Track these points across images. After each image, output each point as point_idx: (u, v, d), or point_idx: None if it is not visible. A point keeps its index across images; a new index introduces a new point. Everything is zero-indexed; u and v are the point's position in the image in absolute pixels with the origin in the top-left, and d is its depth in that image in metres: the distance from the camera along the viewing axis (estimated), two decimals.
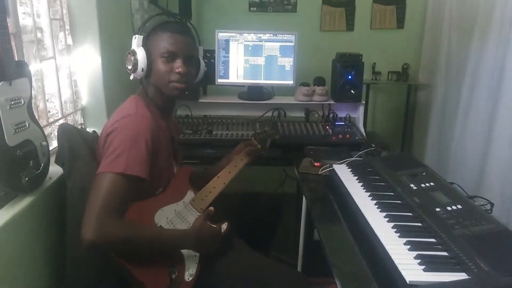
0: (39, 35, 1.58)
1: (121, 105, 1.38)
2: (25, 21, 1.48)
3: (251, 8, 3.08)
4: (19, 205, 1.21)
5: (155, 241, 1.24)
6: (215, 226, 1.35)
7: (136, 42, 1.39)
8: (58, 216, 1.37)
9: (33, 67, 1.51)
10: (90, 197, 1.16)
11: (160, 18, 1.78)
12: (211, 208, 1.36)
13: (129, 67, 1.39)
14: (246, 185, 1.92)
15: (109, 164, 1.21)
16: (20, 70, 1.21)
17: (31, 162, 1.23)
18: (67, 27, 1.80)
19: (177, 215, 1.40)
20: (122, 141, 1.24)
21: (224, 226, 1.39)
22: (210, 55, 2.48)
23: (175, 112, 2.35)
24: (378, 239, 1.10)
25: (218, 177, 1.57)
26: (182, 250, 1.31)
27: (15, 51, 1.37)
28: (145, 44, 1.39)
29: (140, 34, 1.41)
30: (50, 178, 1.37)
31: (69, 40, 1.81)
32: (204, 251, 1.34)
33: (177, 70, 1.36)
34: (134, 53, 1.38)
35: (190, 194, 1.48)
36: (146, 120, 1.30)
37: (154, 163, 1.30)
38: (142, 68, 1.37)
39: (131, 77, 1.43)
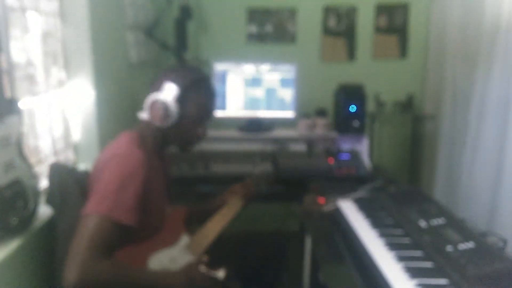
0: (31, 70, 1.61)
1: (113, 142, 1.37)
2: (17, 56, 1.51)
3: (249, 39, 3.14)
4: (7, 249, 1.19)
5: (142, 281, 1.22)
6: (207, 271, 1.32)
7: (170, 94, 1.36)
8: (48, 260, 1.35)
9: (24, 103, 1.53)
10: (75, 239, 1.14)
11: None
12: (205, 258, 1.35)
13: (156, 115, 1.37)
14: (246, 223, 1.91)
15: (95, 205, 1.19)
16: (10, 106, 1.22)
17: (20, 202, 1.23)
18: (61, 61, 1.83)
19: (172, 261, 1.37)
20: (110, 182, 1.22)
21: (221, 274, 1.34)
22: None
23: None
24: (387, 281, 1.08)
25: (213, 220, 1.57)
26: None
27: (6, 87, 1.39)
28: (180, 99, 1.37)
29: (174, 83, 1.38)
30: (40, 219, 1.36)
31: (62, 75, 1.84)
32: None
33: (201, 135, 1.43)
34: (166, 106, 1.36)
35: (184, 238, 1.47)
36: (135, 160, 1.28)
37: (146, 206, 1.29)
38: (172, 121, 1.37)
39: (157, 124, 1.39)
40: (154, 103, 1.36)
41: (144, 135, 1.40)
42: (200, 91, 1.41)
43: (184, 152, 1.51)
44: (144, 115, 1.41)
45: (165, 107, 1.35)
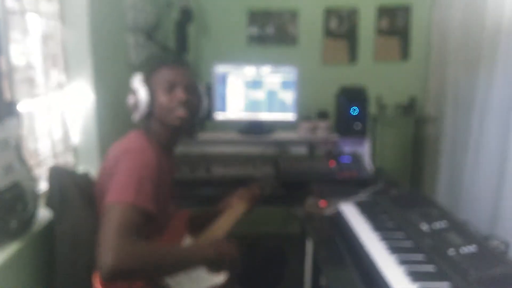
0: (31, 73, 1.61)
1: (123, 139, 1.40)
2: (17, 59, 1.51)
3: (250, 41, 3.14)
4: (7, 252, 1.19)
5: (177, 257, 1.23)
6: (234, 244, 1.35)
7: (136, 81, 1.43)
8: (47, 262, 1.36)
9: (24, 105, 1.53)
10: (103, 228, 1.14)
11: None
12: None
13: (131, 107, 1.43)
14: (248, 226, 1.91)
15: (118, 194, 1.21)
16: (9, 109, 1.23)
17: (19, 205, 1.23)
18: (61, 64, 1.83)
19: None
20: (129, 172, 1.25)
21: (220, 277, 1.35)
22: (208, 88, 2.52)
23: None
24: (388, 285, 1.08)
25: (218, 223, 1.58)
26: (170, 280, 1.29)
27: (6, 90, 1.40)
28: (145, 82, 1.43)
29: (140, 73, 1.46)
30: (39, 222, 1.37)
31: (62, 77, 1.85)
32: (221, 266, 1.31)
33: (178, 98, 1.40)
34: (135, 91, 1.42)
35: (187, 240, 1.47)
36: (151, 155, 1.33)
37: (157, 201, 1.30)
38: (145, 106, 1.40)
39: (136, 117, 1.45)
40: (128, 97, 1.44)
41: (148, 133, 1.44)
42: (156, 67, 1.45)
43: (184, 129, 1.50)
44: (134, 115, 1.45)
45: (133, 93, 1.42)
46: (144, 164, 1.29)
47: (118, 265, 1.07)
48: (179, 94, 1.41)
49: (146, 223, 1.23)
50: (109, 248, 1.09)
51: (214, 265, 1.30)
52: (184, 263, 1.25)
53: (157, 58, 1.53)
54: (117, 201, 1.19)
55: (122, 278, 1.14)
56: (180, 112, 1.40)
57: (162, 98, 1.40)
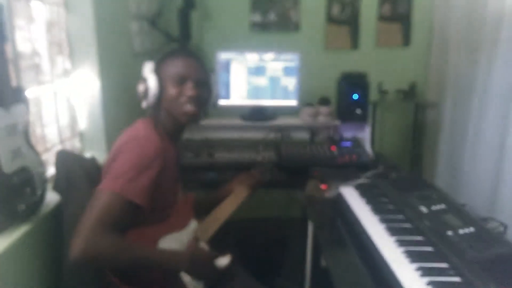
0: (36, 59, 1.61)
1: (129, 128, 1.40)
2: (23, 46, 1.51)
3: (253, 28, 3.13)
4: (15, 234, 1.21)
5: (147, 259, 1.23)
6: (210, 252, 1.35)
7: (147, 69, 1.42)
8: (55, 245, 1.37)
9: (31, 92, 1.54)
10: (85, 214, 1.16)
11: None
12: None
13: (140, 94, 1.42)
14: (250, 210, 1.92)
15: (109, 182, 1.22)
16: (17, 95, 1.23)
17: (27, 189, 1.24)
18: (66, 51, 1.84)
19: (181, 244, 1.40)
20: (127, 162, 1.25)
21: (225, 261, 1.36)
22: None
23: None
24: (388, 265, 1.10)
25: (220, 208, 1.60)
26: (184, 279, 1.31)
27: (12, 76, 1.40)
28: (156, 70, 1.41)
29: (151, 61, 1.44)
30: (47, 205, 1.38)
31: (68, 64, 1.85)
32: (198, 276, 1.33)
33: (188, 94, 1.39)
34: (145, 80, 1.40)
35: (193, 223, 1.49)
36: (154, 144, 1.31)
37: (160, 189, 1.31)
38: (154, 95, 1.39)
39: (144, 105, 1.44)
40: (138, 85, 1.42)
41: (156, 122, 1.43)
42: (168, 58, 1.43)
43: (191, 124, 1.48)
44: (143, 103, 1.44)
45: (143, 82, 1.40)
46: (146, 154, 1.28)
47: (84, 254, 1.09)
48: (189, 90, 1.39)
49: (136, 215, 1.24)
50: (81, 235, 1.11)
51: (189, 274, 1.31)
52: (155, 267, 1.27)
53: (169, 48, 1.50)
54: (105, 189, 1.20)
55: (88, 265, 1.17)
56: (189, 108, 1.40)
57: (172, 91, 1.39)
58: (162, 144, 1.35)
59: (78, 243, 1.10)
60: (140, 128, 1.37)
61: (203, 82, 1.45)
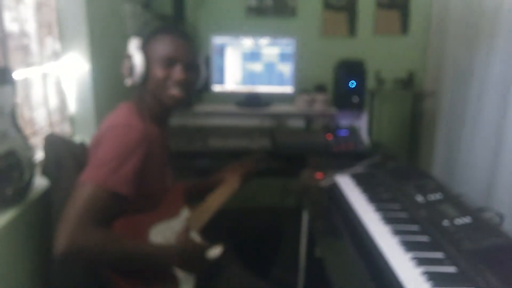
0: (25, 40, 1.58)
1: (111, 113, 1.36)
2: (11, 26, 1.48)
3: (248, 12, 3.09)
4: (2, 219, 1.19)
5: (133, 253, 1.21)
6: (201, 244, 1.33)
7: (133, 46, 1.36)
8: (43, 230, 1.36)
9: (19, 74, 1.51)
10: (68, 205, 1.13)
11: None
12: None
13: (125, 72, 1.36)
14: (244, 199, 1.92)
15: (91, 173, 1.18)
16: (4, 76, 1.20)
17: (15, 173, 1.22)
18: (56, 32, 1.80)
19: (173, 232, 1.38)
20: (109, 152, 1.21)
21: (216, 252, 1.34)
22: (206, 60, 2.49)
23: None
24: (382, 254, 1.09)
25: (212, 197, 1.58)
26: (176, 271, 1.29)
27: (0, 57, 1.37)
28: (143, 48, 1.36)
29: (138, 37, 1.38)
30: (35, 190, 1.36)
31: (57, 46, 1.82)
32: (188, 269, 1.30)
33: (176, 78, 1.34)
34: (131, 57, 1.35)
35: (185, 211, 1.47)
36: (137, 132, 1.26)
37: (146, 178, 1.28)
38: (139, 73, 1.34)
39: (128, 83, 1.39)
40: (123, 62, 1.36)
41: (141, 105, 1.38)
42: (157, 35, 1.37)
43: (176, 107, 1.44)
44: (127, 81, 1.39)
45: (129, 59, 1.35)
46: (128, 141, 1.24)
47: (69, 249, 1.06)
48: (178, 73, 1.34)
49: (121, 205, 1.21)
50: (65, 228, 1.08)
51: (179, 268, 1.29)
52: (142, 262, 1.24)
53: (157, 24, 1.43)
54: (88, 180, 1.16)
55: (73, 260, 1.13)
56: (176, 92, 1.35)
57: (159, 73, 1.34)
58: (146, 129, 1.30)
59: (62, 238, 1.07)
60: (122, 115, 1.32)
61: (192, 64, 1.41)
